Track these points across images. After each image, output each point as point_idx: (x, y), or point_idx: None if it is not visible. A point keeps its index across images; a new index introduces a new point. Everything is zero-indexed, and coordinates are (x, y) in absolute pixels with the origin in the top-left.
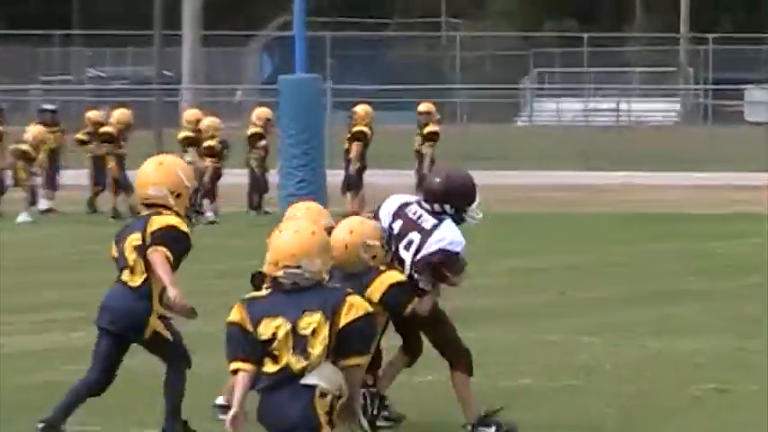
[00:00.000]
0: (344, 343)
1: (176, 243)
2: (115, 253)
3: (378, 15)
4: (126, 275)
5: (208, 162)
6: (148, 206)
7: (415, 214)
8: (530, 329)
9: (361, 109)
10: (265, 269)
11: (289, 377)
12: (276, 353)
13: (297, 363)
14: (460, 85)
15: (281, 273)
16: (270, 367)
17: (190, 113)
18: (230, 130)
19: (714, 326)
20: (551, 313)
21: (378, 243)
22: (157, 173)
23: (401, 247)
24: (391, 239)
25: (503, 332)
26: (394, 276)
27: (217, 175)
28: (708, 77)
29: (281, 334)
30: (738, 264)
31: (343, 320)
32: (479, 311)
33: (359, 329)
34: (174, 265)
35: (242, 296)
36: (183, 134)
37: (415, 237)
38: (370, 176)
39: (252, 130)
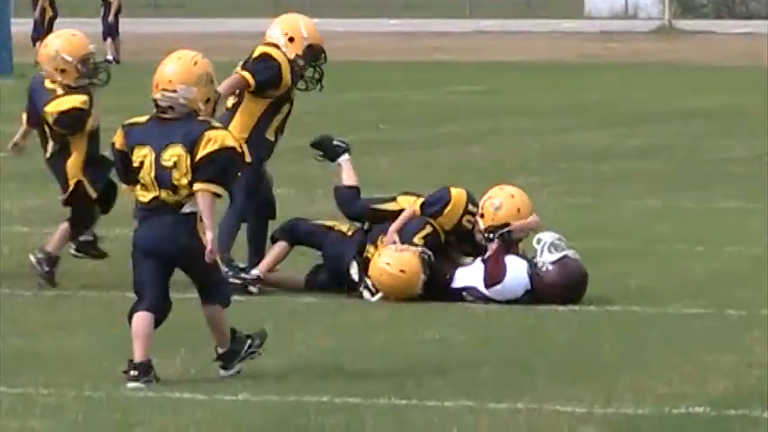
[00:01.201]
0: (199, 170)
1: None
2: None
3: None
4: None
5: None
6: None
7: None
8: None
9: None
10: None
11: (166, 207)
12: (143, 181)
13: (168, 197)
14: None
15: (158, 95)
16: (143, 196)
17: None
18: None
19: (411, 176)
20: None
21: None
22: None
23: None
24: None
25: None
26: None
27: None
28: None
29: (146, 163)
30: (433, 113)
31: (201, 152)
32: None
33: (213, 159)
34: None
35: None
36: None
37: None
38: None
39: None
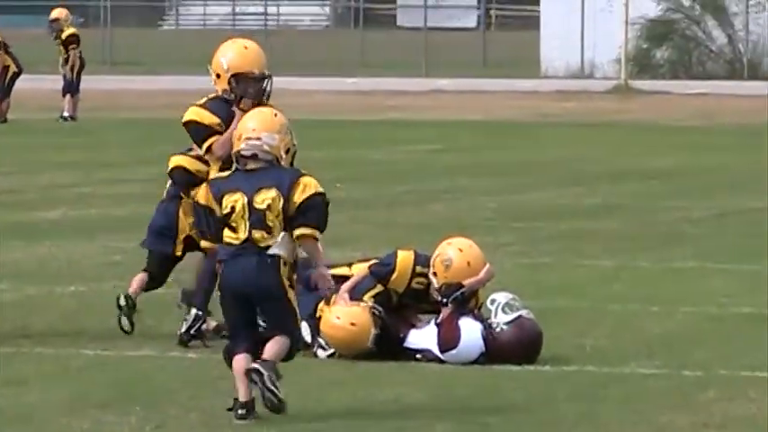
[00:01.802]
0: (299, 216)
1: None
2: None
3: None
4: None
5: None
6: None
7: None
8: None
9: (60, 12)
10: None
11: (253, 248)
12: (234, 224)
13: (262, 238)
14: None
15: (243, 145)
16: (230, 238)
17: None
18: None
19: (368, 234)
20: None
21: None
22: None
23: None
24: None
25: None
26: None
27: None
28: None
29: (238, 207)
30: (390, 171)
31: (298, 198)
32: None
33: (311, 206)
34: None
35: None
36: None
37: None
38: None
39: None
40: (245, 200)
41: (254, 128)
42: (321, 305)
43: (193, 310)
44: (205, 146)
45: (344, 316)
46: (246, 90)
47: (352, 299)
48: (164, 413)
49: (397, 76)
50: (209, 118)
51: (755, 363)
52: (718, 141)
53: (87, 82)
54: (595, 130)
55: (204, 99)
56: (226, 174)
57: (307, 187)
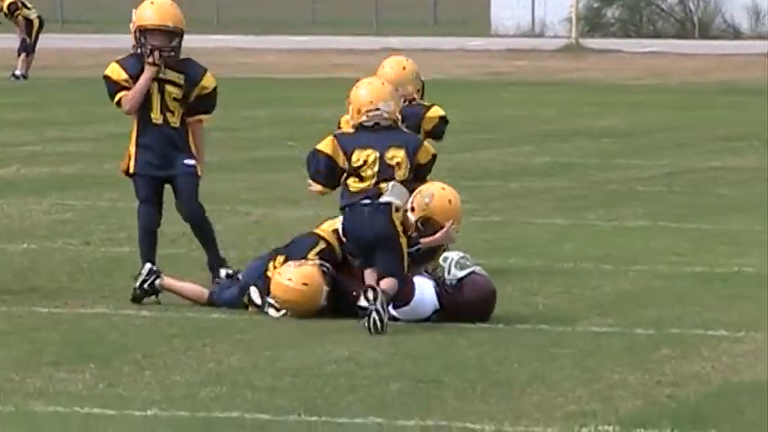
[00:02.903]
0: (417, 173)
1: None
2: None
3: None
4: None
5: None
6: None
7: None
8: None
9: None
10: (347, 120)
11: (371, 197)
12: (362, 174)
13: (384, 188)
14: None
15: (363, 117)
16: (355, 186)
17: None
18: None
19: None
20: None
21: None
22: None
23: None
24: None
25: (110, 195)
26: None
27: None
28: None
29: (370, 160)
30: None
31: (422, 159)
32: None
33: (429, 165)
34: None
35: None
36: None
37: None
38: None
39: None
40: (377, 155)
41: (371, 100)
42: (270, 266)
43: (147, 265)
44: (114, 101)
45: (296, 277)
46: (151, 44)
47: (296, 258)
48: (117, 371)
49: (347, 35)
50: (118, 73)
51: (708, 321)
52: (669, 100)
53: (38, 41)
54: (546, 89)
55: (126, 55)
56: (352, 131)
57: (426, 151)
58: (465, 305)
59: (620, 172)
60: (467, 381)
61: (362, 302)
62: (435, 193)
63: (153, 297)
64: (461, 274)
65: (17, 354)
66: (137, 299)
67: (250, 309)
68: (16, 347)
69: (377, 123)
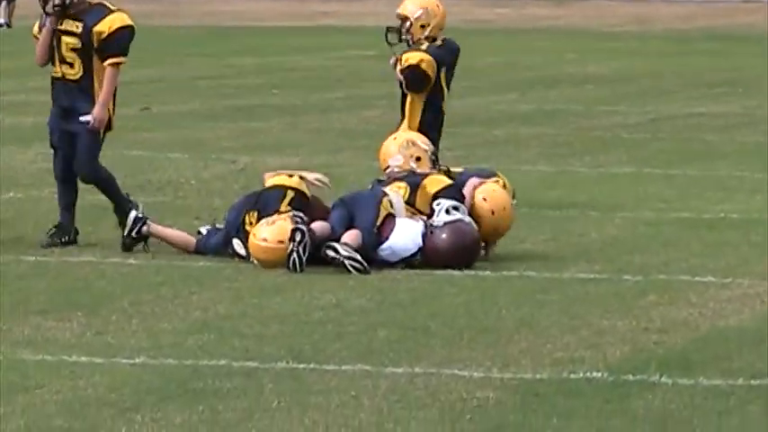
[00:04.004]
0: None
1: None
2: None
3: None
4: None
5: None
6: None
7: None
8: (115, 144)
9: None
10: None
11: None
12: None
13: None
14: None
15: (385, 176)
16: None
17: None
18: None
19: (304, 140)
20: (137, 127)
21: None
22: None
23: None
24: None
25: None
26: None
27: None
28: None
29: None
30: (324, 77)
31: (431, 189)
32: None
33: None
34: None
35: None
36: None
37: None
38: None
39: None
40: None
41: (382, 159)
42: (246, 219)
43: (132, 212)
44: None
45: (271, 235)
46: None
47: (268, 214)
48: (105, 319)
49: None
50: (35, 29)
51: (694, 267)
52: (652, 47)
53: None
54: (529, 36)
55: None
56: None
57: (433, 182)
58: (444, 249)
59: (605, 119)
60: (454, 328)
61: (330, 253)
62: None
63: (142, 244)
64: (448, 218)
65: (4, 302)
66: (127, 247)
67: (236, 259)
68: (3, 296)
69: (395, 179)
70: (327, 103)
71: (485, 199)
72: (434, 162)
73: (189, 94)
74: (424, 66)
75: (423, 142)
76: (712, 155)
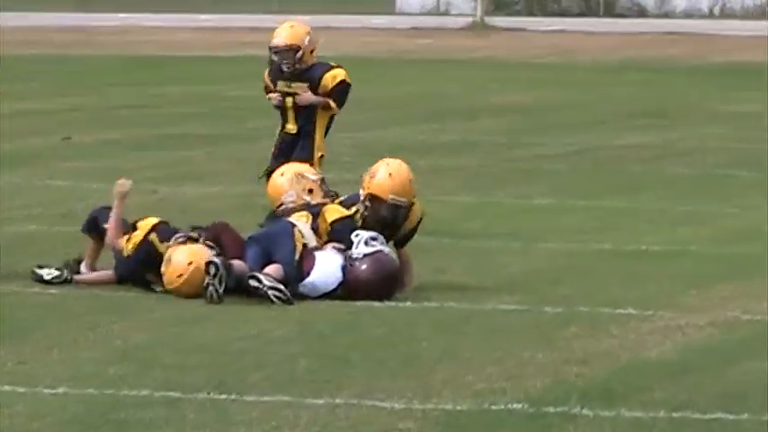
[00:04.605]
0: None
1: None
2: None
3: None
4: None
5: None
6: None
7: None
8: (37, 174)
9: None
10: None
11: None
12: None
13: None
14: None
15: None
16: None
17: None
18: None
19: (224, 171)
20: (58, 156)
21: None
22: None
23: None
24: None
25: (9, 177)
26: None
27: None
28: None
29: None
30: (248, 107)
31: (329, 217)
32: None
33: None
34: None
35: None
36: None
37: None
38: None
39: None
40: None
41: (274, 197)
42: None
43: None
44: None
45: (180, 261)
46: None
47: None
48: (26, 348)
49: (248, 13)
50: None
51: (616, 299)
52: (575, 78)
53: None
54: (451, 67)
55: None
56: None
57: (332, 211)
58: (364, 281)
59: (527, 150)
60: (375, 359)
61: (253, 283)
62: (380, 168)
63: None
64: (368, 250)
65: None
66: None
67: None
68: None
69: (290, 210)
70: (249, 132)
71: (387, 164)
72: (326, 191)
73: (112, 123)
74: (348, 79)
75: (311, 173)
76: (635, 187)
